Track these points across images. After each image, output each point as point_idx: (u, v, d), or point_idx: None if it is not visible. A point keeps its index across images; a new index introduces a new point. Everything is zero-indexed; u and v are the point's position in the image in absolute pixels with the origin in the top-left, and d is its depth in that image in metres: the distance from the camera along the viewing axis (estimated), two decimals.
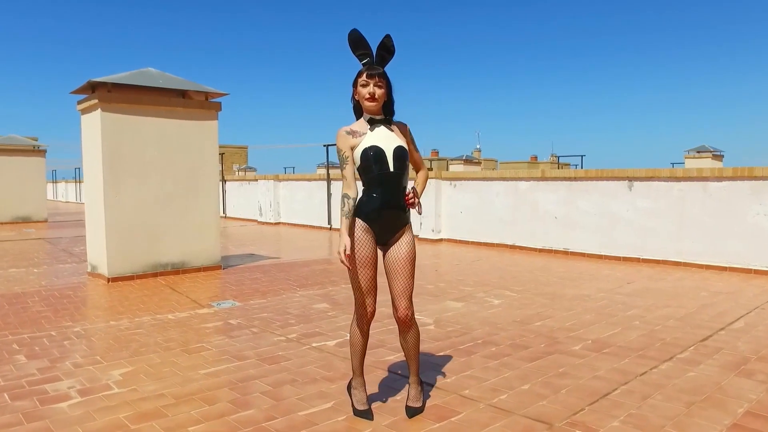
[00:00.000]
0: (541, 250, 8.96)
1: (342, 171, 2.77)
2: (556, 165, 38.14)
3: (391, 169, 2.72)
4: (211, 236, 7.28)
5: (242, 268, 7.68)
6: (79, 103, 6.79)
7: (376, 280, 2.80)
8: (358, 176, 2.77)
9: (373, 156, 2.70)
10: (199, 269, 7.14)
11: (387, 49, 2.76)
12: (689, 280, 6.58)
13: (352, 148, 2.74)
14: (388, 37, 2.77)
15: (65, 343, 4.30)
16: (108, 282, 6.47)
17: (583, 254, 8.43)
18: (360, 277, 2.75)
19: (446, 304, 5.47)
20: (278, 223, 15.08)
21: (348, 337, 2.94)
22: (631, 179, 7.98)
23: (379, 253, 2.83)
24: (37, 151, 16.11)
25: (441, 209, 10.58)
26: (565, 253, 8.65)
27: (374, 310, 2.85)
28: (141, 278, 6.66)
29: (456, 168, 28.64)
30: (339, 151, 2.76)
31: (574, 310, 5.14)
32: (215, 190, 7.40)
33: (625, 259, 7.96)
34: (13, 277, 7.02)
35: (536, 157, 58.15)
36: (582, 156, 23.40)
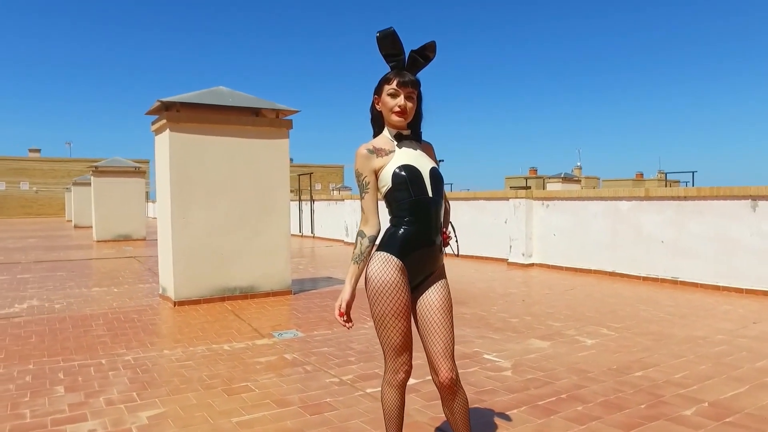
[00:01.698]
0: (645, 279, 7.92)
1: (361, 200, 2.25)
2: (664, 182, 35.56)
3: (430, 194, 2.18)
4: (281, 259, 6.97)
5: (315, 293, 7.31)
6: (152, 123, 6.76)
7: (411, 332, 2.25)
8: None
9: (408, 177, 2.17)
10: (268, 294, 6.84)
11: (424, 54, 2.23)
12: None
13: (376, 171, 2.22)
14: (432, 43, 2.24)
15: (110, 374, 4.05)
16: (174, 306, 6.30)
17: (695, 285, 7.33)
18: (393, 331, 2.20)
19: (530, 343, 4.76)
20: None
21: (381, 400, 2.37)
22: (755, 198, 6.83)
23: None
24: (138, 172, 16.89)
25: (532, 231, 9.76)
26: (674, 282, 7.58)
27: (411, 368, 2.28)
28: (208, 302, 6.45)
29: (554, 186, 27.25)
30: (358, 175, 2.24)
31: (684, 357, 4.26)
32: (286, 211, 7.10)
33: (749, 292, 6.80)
34: (91, 297, 7.06)
35: (642, 174, 54.89)
36: (693, 172, 21.60)
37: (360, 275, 2.25)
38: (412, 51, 2.21)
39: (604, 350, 4.49)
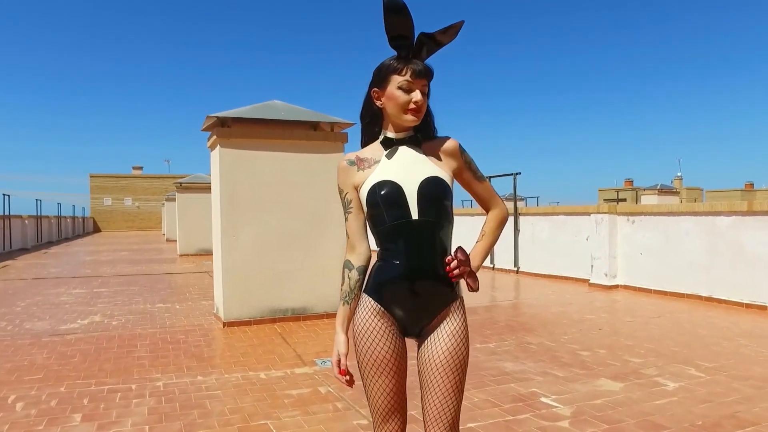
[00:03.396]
0: (748, 306, 6.90)
1: (345, 222, 1.85)
2: None
3: (414, 215, 1.71)
4: (336, 279, 6.64)
5: None
6: (208, 139, 6.67)
7: (402, 394, 1.79)
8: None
9: (383, 196, 1.72)
10: (321, 316, 6.52)
11: (437, 40, 1.74)
12: None
13: (357, 188, 1.80)
14: (456, 26, 1.73)
15: (134, 401, 3.85)
16: (224, 327, 6.11)
17: None
18: (374, 390, 1.77)
19: (599, 383, 4.11)
20: None
21: None
22: None
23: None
24: None
25: (616, 250, 8.88)
26: None
27: None
28: (258, 324, 6.21)
29: (649, 199, 25.42)
30: (339, 192, 1.85)
31: None
32: (342, 229, 6.77)
33: None
34: (150, 314, 7.04)
35: (752, 185, 50.64)
36: None
37: (352, 317, 1.84)
38: (422, 34, 1.72)
39: (690, 398, 3.77)
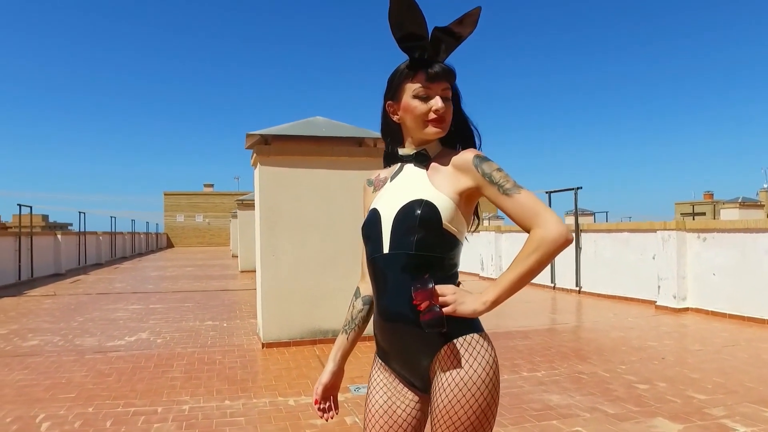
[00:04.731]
0: None
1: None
2: None
3: (385, 248, 1.48)
4: None
5: None
6: (251, 158, 6.64)
7: None
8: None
9: (363, 227, 1.56)
10: (364, 338, 6.26)
11: (455, 33, 1.46)
12: None
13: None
14: (473, 13, 1.45)
15: (155, 426, 3.77)
16: (262, 348, 6.00)
17: None
18: None
19: (653, 423, 3.67)
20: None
21: None
22: None
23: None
24: None
25: (686, 269, 8.22)
26: None
27: None
28: (297, 345, 6.06)
29: (729, 213, 23.75)
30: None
31: None
32: None
33: None
34: (196, 332, 7.04)
35: None
36: None
37: (350, 349, 1.71)
38: (436, 29, 1.45)
39: None
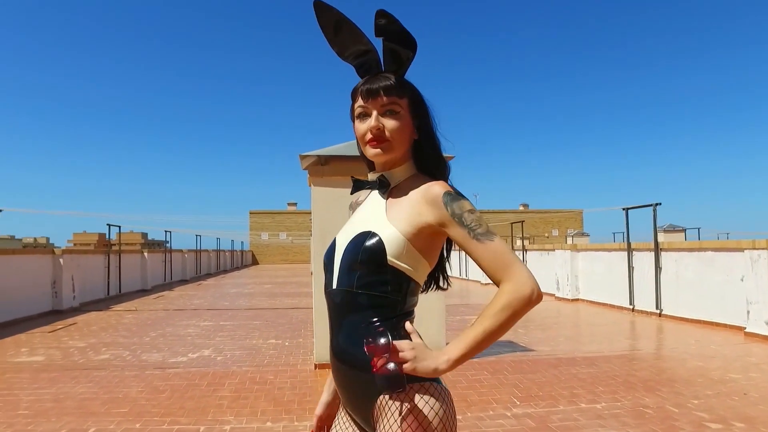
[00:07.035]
0: None
1: None
2: None
3: (335, 283, 1.39)
4: (434, 322, 6.26)
5: (480, 361, 6.38)
6: (308, 178, 6.70)
7: None
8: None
9: (324, 256, 1.48)
10: None
11: (397, 37, 1.35)
12: None
13: None
14: (383, 15, 1.33)
15: None
16: (314, 368, 5.98)
17: None
18: None
19: None
20: (576, 300, 13.21)
21: None
22: None
23: None
24: None
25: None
26: None
27: None
28: None
29: None
30: None
31: None
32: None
33: None
34: (256, 350, 7.15)
35: None
36: None
37: None
38: (377, 34, 1.36)
39: None
